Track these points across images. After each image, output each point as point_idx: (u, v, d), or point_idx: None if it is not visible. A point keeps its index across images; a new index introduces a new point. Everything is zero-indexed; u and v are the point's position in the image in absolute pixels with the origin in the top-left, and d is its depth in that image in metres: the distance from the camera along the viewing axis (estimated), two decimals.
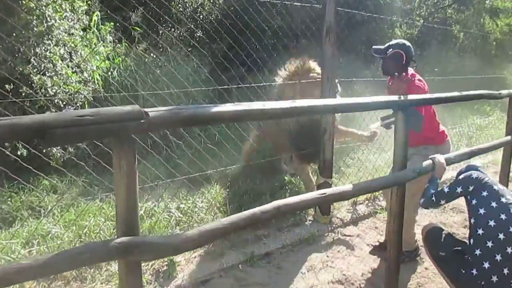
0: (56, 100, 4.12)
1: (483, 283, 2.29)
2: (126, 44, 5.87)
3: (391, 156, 5.73)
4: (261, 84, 4.61)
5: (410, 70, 3.30)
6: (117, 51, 5.72)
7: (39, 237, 3.12)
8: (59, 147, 4.28)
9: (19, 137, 1.33)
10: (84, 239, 3.20)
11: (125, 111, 1.48)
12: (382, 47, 3.32)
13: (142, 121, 1.51)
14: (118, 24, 5.90)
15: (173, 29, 7.31)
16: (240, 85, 4.36)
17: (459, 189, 2.53)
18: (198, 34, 7.41)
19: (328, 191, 2.20)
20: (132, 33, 5.87)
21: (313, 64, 4.14)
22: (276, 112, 1.95)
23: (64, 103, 4.29)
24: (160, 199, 3.84)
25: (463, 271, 2.37)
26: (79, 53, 4.63)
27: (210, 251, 3.39)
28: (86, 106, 4.71)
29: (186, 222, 3.62)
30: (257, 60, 4.46)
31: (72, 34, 4.59)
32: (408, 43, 3.28)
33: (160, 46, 6.45)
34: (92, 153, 4.06)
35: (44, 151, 4.13)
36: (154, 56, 6.19)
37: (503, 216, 2.31)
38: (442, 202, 2.60)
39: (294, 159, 4.46)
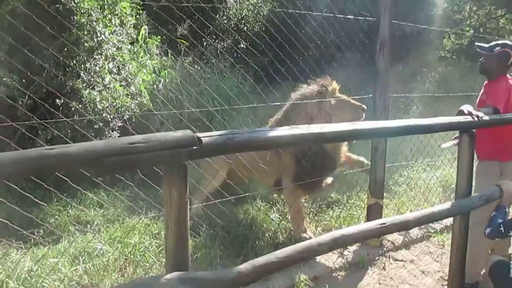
0: (104, 114, 4.13)
1: None
2: (172, 57, 5.90)
3: (443, 173, 5.47)
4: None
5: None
6: (163, 64, 5.74)
7: (85, 254, 3.09)
8: None
9: (67, 168, 1.25)
10: (129, 257, 3.15)
11: (177, 137, 1.39)
12: (487, 45, 3.16)
13: (194, 147, 1.41)
14: (164, 37, 5.95)
15: (217, 41, 7.32)
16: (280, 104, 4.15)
17: None
18: (242, 46, 7.38)
19: (388, 221, 2.02)
20: (179, 46, 5.89)
21: (336, 85, 3.73)
22: (335, 136, 1.81)
23: (112, 117, 4.31)
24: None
25: None
26: (126, 67, 4.65)
27: None
28: (133, 119, 4.73)
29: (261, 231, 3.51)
30: (301, 71, 4.33)
31: (121, 48, 4.63)
32: None
33: (205, 58, 6.45)
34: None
35: None
36: (199, 68, 6.19)
37: None
38: (511, 233, 2.36)
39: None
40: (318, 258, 3.55)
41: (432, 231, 4.21)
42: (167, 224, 1.44)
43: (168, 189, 1.42)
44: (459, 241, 2.56)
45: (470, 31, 12.49)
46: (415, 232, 4.18)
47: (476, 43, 3.24)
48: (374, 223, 1.99)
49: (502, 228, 2.37)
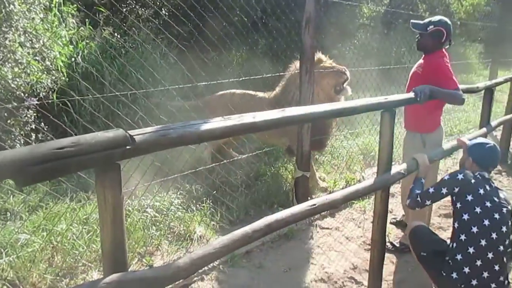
0: (18, 92, 3.83)
1: (462, 286, 2.32)
2: (90, 27, 5.54)
3: (364, 141, 5.78)
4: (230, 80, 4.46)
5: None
6: (80, 34, 5.38)
7: (8, 245, 2.92)
8: (18, 135, 4.04)
9: None
10: (57, 246, 3.03)
11: (109, 138, 1.33)
12: (422, 22, 3.29)
13: (128, 147, 1.37)
14: (80, 4, 5.56)
15: (137, 8, 6.98)
16: (209, 82, 4.19)
17: (444, 190, 2.51)
18: (164, 13, 7.10)
19: (318, 201, 2.13)
20: (97, 15, 5.54)
21: (322, 56, 4.25)
22: (267, 124, 1.84)
23: (26, 95, 4.01)
24: (133, 197, 3.68)
25: (444, 274, 2.40)
26: (40, 40, 4.31)
27: (188, 252, 3.29)
28: (51, 96, 4.44)
29: (161, 222, 3.49)
30: (225, 40, 4.33)
31: (33, 18, 4.26)
32: (449, 21, 3.25)
33: (126, 28, 6.14)
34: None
35: (6, 147, 3.89)
36: (120, 38, 5.88)
37: (486, 222, 2.33)
38: (428, 202, 2.58)
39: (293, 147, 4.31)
40: None
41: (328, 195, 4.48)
42: (102, 226, 1.40)
43: (101, 191, 1.37)
44: (380, 212, 2.75)
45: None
46: None
47: (412, 21, 3.37)
48: (305, 205, 2.08)
49: (419, 199, 2.58)
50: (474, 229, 2.33)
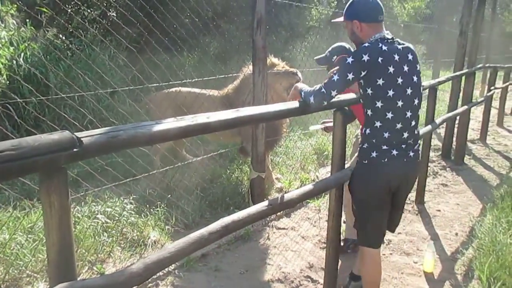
0: None
1: (383, 161, 2.32)
2: (32, 28, 5.29)
3: (317, 141, 5.86)
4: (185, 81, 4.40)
5: None
6: (22, 35, 5.13)
7: None
8: None
9: None
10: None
11: (54, 140, 1.25)
12: (322, 55, 3.29)
13: (75, 150, 1.30)
14: (21, 4, 5.30)
15: (83, 9, 6.74)
16: (159, 84, 4.13)
17: (350, 76, 2.23)
18: (112, 14, 6.90)
19: (274, 202, 2.11)
20: (39, 15, 5.29)
21: (275, 60, 4.31)
22: (222, 124, 1.81)
23: None
24: (83, 203, 3.54)
25: (365, 162, 2.37)
26: None
27: (142, 258, 3.19)
28: None
29: (113, 228, 3.36)
30: (175, 40, 4.28)
31: None
32: (348, 45, 3.25)
33: (73, 30, 5.91)
34: None
35: None
36: (65, 39, 5.65)
37: (400, 103, 2.26)
38: (334, 93, 2.26)
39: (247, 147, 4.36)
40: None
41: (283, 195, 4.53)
42: (48, 234, 1.31)
43: (47, 197, 1.28)
44: (335, 210, 2.77)
45: (334, 2, 13.32)
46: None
47: (315, 58, 3.36)
48: (261, 205, 2.06)
49: (323, 90, 2.29)
50: (389, 115, 2.26)
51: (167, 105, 4.42)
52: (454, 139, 6.45)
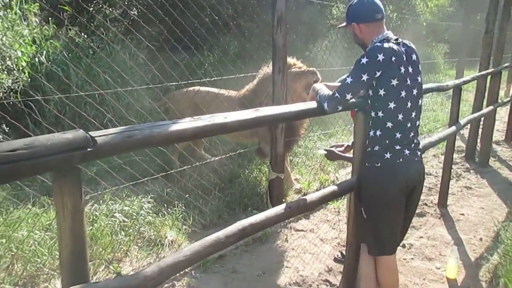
0: None
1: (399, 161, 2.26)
2: (54, 26, 5.33)
3: (338, 141, 5.76)
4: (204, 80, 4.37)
5: None
6: (44, 33, 5.17)
7: None
8: None
9: None
10: (17, 253, 2.85)
11: (67, 139, 1.22)
12: (344, 77, 3.19)
13: (89, 149, 1.26)
14: (44, 2, 5.34)
15: (105, 7, 6.77)
16: (179, 83, 4.11)
17: (365, 77, 2.15)
18: (133, 13, 6.92)
19: (293, 204, 2.06)
20: (61, 14, 5.33)
21: (293, 60, 4.19)
22: (240, 124, 1.76)
23: None
24: (100, 201, 3.53)
25: (377, 165, 2.30)
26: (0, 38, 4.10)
27: (159, 258, 3.17)
28: (11, 96, 4.23)
29: (130, 227, 3.35)
30: (195, 39, 4.27)
31: None
32: None
33: (92, 27, 5.94)
34: None
35: None
36: (88, 40, 5.68)
37: (409, 104, 2.24)
38: (349, 96, 2.18)
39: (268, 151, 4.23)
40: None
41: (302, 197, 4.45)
42: (61, 235, 1.28)
43: (60, 197, 1.26)
44: (355, 213, 2.70)
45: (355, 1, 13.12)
46: None
47: (337, 81, 3.24)
48: (280, 208, 2.00)
49: (337, 95, 2.21)
50: (400, 116, 2.23)
51: (185, 104, 4.39)
52: (479, 140, 6.27)
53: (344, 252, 3.43)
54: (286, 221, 3.94)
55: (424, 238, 3.81)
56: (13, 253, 2.86)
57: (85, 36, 5.75)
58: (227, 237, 1.71)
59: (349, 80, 2.17)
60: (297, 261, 3.37)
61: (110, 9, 6.87)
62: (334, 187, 2.40)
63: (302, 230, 3.87)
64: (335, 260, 3.42)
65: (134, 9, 6.97)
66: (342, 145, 3.07)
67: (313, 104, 2.22)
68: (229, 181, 4.45)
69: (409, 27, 13.45)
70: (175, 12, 4.04)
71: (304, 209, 2.13)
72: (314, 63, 5.09)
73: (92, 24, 5.83)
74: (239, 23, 6.92)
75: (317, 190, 4.61)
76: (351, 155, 3.04)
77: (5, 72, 4.08)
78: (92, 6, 6.43)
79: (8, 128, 4.18)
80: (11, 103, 4.25)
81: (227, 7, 5.08)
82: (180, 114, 4.16)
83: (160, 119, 4.52)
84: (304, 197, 2.16)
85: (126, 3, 6.99)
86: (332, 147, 3.07)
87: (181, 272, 3.02)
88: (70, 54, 5.21)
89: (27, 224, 3.12)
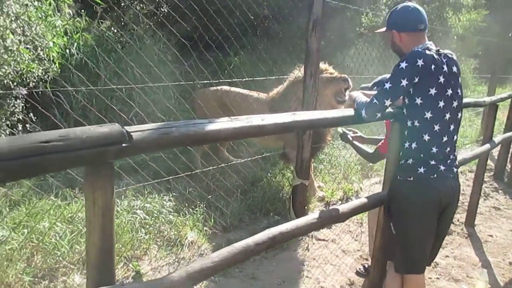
0: (6, 81, 3.64)
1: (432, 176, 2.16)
2: (87, 19, 5.36)
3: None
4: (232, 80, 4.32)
5: None
6: (76, 25, 5.19)
7: None
8: (3, 125, 3.85)
9: None
10: (37, 244, 2.83)
11: (103, 133, 1.17)
12: (369, 84, 3.11)
13: (124, 145, 1.20)
14: None
15: (136, 2, 6.79)
16: (210, 81, 4.06)
17: (404, 82, 2.05)
18: (164, 10, 6.92)
19: (324, 215, 1.97)
20: (94, 7, 5.35)
21: (324, 66, 4.09)
22: (277, 127, 1.68)
23: (15, 84, 3.82)
24: (122, 197, 3.50)
25: (410, 179, 2.20)
26: (33, 28, 4.11)
27: (178, 259, 3.11)
28: (41, 86, 4.25)
29: (151, 225, 3.31)
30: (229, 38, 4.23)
31: (26, 5, 4.06)
32: None
33: (123, 22, 5.95)
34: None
35: None
36: (118, 33, 5.70)
37: (447, 116, 2.14)
38: (387, 102, 2.08)
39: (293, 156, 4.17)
40: None
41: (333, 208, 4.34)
42: (89, 232, 1.23)
43: (91, 193, 1.20)
44: (383, 227, 2.59)
45: (385, 10, 12.93)
46: None
47: (361, 87, 3.11)
48: (311, 218, 1.92)
49: (376, 101, 2.13)
50: (437, 127, 2.12)
51: (214, 102, 4.34)
52: (508, 160, 6.07)
53: (366, 266, 3.33)
54: None
55: (450, 257, 3.67)
56: (33, 244, 2.84)
57: (116, 30, 5.76)
58: (257, 245, 1.64)
59: (387, 85, 2.08)
60: (318, 272, 3.27)
61: (141, 4, 6.88)
62: (364, 200, 2.31)
63: (324, 240, 3.77)
64: (357, 273, 3.31)
65: (165, 5, 6.97)
66: (357, 132, 3.18)
67: (350, 111, 2.13)
68: (251, 184, 4.38)
69: (440, 40, 13.21)
70: (210, 9, 3.98)
71: (335, 220, 2.05)
72: (344, 71, 4.99)
73: (124, 18, 5.85)
74: (273, 25, 6.85)
75: (340, 199, 4.51)
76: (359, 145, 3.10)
77: (36, 62, 4.09)
78: (124, 1, 6.46)
79: (36, 118, 4.19)
80: (40, 92, 4.27)
81: (264, 7, 5.01)
82: (208, 112, 4.12)
83: (187, 117, 4.49)
84: (336, 207, 2.07)
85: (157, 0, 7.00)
86: (350, 130, 3.18)
87: None
88: (99, 48, 5.22)
89: (49, 215, 3.10)
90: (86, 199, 1.22)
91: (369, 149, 3.07)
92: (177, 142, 1.36)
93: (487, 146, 3.94)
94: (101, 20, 5.38)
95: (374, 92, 2.42)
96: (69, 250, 2.84)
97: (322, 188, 4.59)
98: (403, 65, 2.05)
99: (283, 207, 4.05)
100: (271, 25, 6.69)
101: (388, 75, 2.97)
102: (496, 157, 6.26)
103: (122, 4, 6.28)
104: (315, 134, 3.92)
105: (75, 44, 4.97)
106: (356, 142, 3.13)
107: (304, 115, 1.82)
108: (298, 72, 4.12)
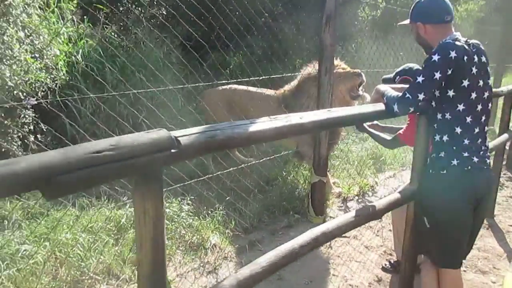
0: (16, 92, 3.58)
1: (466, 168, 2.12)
2: (89, 25, 5.29)
3: (370, 145, 5.59)
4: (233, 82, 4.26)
5: None
6: (79, 32, 5.13)
7: (7, 257, 2.66)
8: (16, 136, 3.80)
9: (10, 193, 0.94)
10: (60, 256, 2.78)
11: (152, 140, 1.11)
12: (390, 75, 3.04)
13: (173, 150, 1.15)
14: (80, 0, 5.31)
15: (135, 7, 6.72)
16: (215, 82, 4.00)
17: (437, 75, 1.98)
18: (163, 12, 6.85)
19: (362, 212, 1.93)
20: (96, 12, 5.28)
21: (336, 61, 3.97)
22: (314, 125, 1.63)
23: (24, 94, 3.76)
24: None
25: (443, 172, 2.16)
26: (40, 36, 4.06)
27: (203, 263, 3.06)
28: (49, 95, 4.19)
29: (173, 230, 3.25)
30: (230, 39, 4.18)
31: (31, 14, 4.01)
32: (416, 67, 2.98)
33: (125, 27, 5.88)
34: (55, 146, 3.62)
35: (3, 150, 3.64)
36: (121, 37, 5.63)
37: (479, 107, 2.10)
38: (421, 96, 2.00)
39: (307, 152, 4.17)
40: (266, 240, 3.46)
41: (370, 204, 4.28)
42: (141, 246, 1.17)
43: (141, 204, 1.15)
44: (413, 221, 2.55)
45: (383, 3, 12.85)
46: (353, 206, 4.24)
47: (382, 78, 3.08)
48: (349, 216, 1.88)
49: (409, 95, 2.05)
50: (469, 119, 2.08)
51: (220, 102, 4.29)
52: None
53: (392, 262, 3.29)
54: None
55: (474, 249, 3.61)
56: (56, 257, 2.79)
57: (119, 34, 5.70)
58: (301, 247, 1.60)
59: (420, 79, 2.02)
60: (344, 269, 3.22)
61: (139, 8, 6.82)
62: (397, 195, 2.26)
63: (345, 237, 3.71)
64: (383, 269, 3.27)
65: (164, 8, 6.90)
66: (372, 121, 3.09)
67: (381, 106, 2.08)
68: (267, 183, 4.33)
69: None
70: (214, 8, 3.92)
71: (372, 217, 2.00)
72: (357, 65, 4.95)
73: (126, 23, 5.78)
74: (284, 21, 6.77)
75: (357, 194, 4.46)
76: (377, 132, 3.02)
77: (44, 71, 4.03)
78: (123, 5, 6.39)
79: (45, 127, 4.13)
80: (47, 102, 4.21)
81: (278, 4, 4.96)
82: (214, 113, 4.05)
83: (194, 119, 4.43)
84: (372, 204, 2.03)
85: (155, 2, 6.93)
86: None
87: (225, 276, 2.91)
88: (104, 53, 5.16)
89: (69, 226, 3.04)
90: (136, 211, 1.17)
91: (387, 136, 3.01)
92: (222, 145, 1.30)
93: (505, 136, 3.89)
94: (105, 25, 5.32)
95: (400, 85, 2.37)
96: (92, 261, 2.78)
97: (337, 184, 4.54)
98: (436, 57, 2.00)
99: (301, 205, 4.01)
100: (286, 18, 6.59)
101: (410, 64, 2.94)
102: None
103: (121, 8, 6.23)
104: (331, 131, 3.88)
105: (80, 51, 4.91)
106: (372, 130, 3.06)
107: (339, 112, 1.77)
108: (310, 69, 4.06)
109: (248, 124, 1.39)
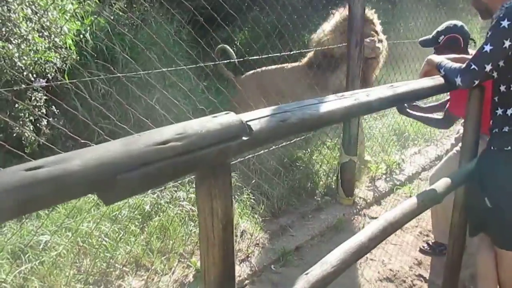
0: (25, 73, 3.38)
1: None
2: (96, 1, 5.03)
3: (391, 121, 5.37)
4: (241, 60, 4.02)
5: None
6: (86, 9, 4.87)
7: (28, 249, 2.50)
8: (27, 120, 3.62)
9: (65, 199, 0.75)
10: (83, 247, 2.62)
11: (222, 126, 0.92)
12: (430, 36, 2.77)
13: (244, 138, 0.96)
14: None
15: None
16: (230, 61, 3.77)
17: (507, 43, 1.77)
18: None
19: (424, 197, 1.75)
20: None
21: (370, 12, 3.73)
22: (381, 103, 1.43)
23: (34, 75, 3.56)
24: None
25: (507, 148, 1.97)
26: (49, 14, 3.82)
27: (235, 251, 2.90)
28: (59, 76, 3.97)
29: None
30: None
31: None
32: (460, 23, 2.73)
33: (137, 3, 5.61)
34: (69, 130, 3.44)
35: (14, 135, 3.46)
36: (129, 13, 5.37)
37: None
38: (488, 67, 1.81)
39: None
40: (296, 224, 3.30)
41: (398, 183, 4.11)
42: (207, 252, 0.99)
43: (208, 202, 0.96)
44: (461, 203, 2.37)
45: None
46: (382, 185, 4.06)
47: (419, 41, 2.85)
48: (413, 202, 1.69)
49: (474, 66, 1.85)
50: None
51: (256, 88, 4.06)
52: None
53: (430, 243, 3.13)
54: (358, 207, 3.64)
55: None
56: (79, 248, 2.63)
57: (126, 11, 5.44)
58: (370, 241, 1.43)
59: (487, 48, 1.79)
60: (380, 253, 3.07)
61: None
62: (453, 176, 2.06)
63: (376, 217, 3.55)
64: (422, 251, 3.11)
65: None
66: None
67: (440, 80, 1.87)
68: (290, 164, 4.13)
69: None
70: None
71: (434, 201, 1.81)
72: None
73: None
74: None
75: (384, 173, 4.28)
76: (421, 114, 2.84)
77: (53, 50, 3.80)
78: None
79: (57, 110, 3.94)
80: (58, 83, 4.00)
81: None
82: (251, 100, 3.80)
83: (206, 98, 4.20)
84: (432, 188, 1.84)
85: None
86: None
87: (260, 267, 2.77)
88: (113, 31, 4.92)
89: (89, 215, 2.87)
90: (201, 211, 0.98)
91: (434, 116, 2.81)
92: (294, 129, 1.11)
93: None
94: (113, 1, 5.06)
95: (452, 56, 2.15)
96: (118, 251, 2.62)
97: (370, 162, 4.34)
98: (505, 23, 1.77)
99: (328, 186, 3.83)
100: None
101: (453, 21, 2.71)
102: None
103: None
104: None
105: (89, 29, 4.66)
106: (415, 113, 2.88)
107: (402, 87, 1.57)
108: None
109: (317, 103, 1.19)
